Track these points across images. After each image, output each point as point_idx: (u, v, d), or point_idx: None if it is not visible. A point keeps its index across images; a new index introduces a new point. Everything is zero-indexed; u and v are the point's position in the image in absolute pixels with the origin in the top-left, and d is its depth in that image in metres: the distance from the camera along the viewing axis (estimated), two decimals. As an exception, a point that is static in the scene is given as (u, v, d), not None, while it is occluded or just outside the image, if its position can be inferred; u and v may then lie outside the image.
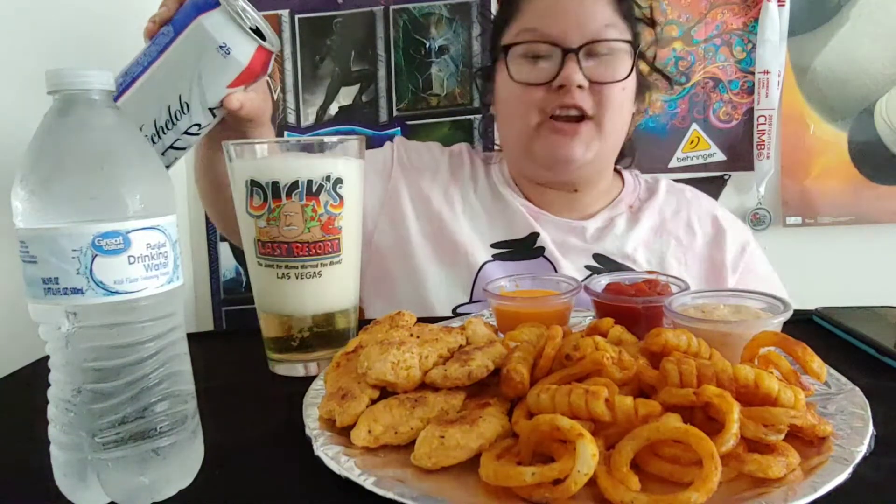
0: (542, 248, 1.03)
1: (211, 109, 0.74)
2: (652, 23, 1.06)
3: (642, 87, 1.05)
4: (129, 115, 0.47)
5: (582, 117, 0.96)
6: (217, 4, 0.69)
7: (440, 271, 1.02)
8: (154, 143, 0.74)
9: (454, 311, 0.99)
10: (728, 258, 1.05)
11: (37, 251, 0.42)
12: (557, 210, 1.07)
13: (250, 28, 0.71)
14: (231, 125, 0.79)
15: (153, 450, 0.45)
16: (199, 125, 0.75)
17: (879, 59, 1.33)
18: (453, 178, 1.10)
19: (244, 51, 0.71)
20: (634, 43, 0.97)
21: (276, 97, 1.38)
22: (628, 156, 1.16)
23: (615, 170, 1.15)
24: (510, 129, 1.04)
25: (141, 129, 0.72)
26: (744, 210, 1.39)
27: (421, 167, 1.11)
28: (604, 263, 1.03)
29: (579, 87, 0.94)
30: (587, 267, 1.02)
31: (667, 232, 1.07)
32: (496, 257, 1.03)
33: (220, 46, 0.69)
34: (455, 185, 1.09)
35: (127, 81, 0.73)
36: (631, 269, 1.01)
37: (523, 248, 1.04)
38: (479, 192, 1.09)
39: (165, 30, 0.72)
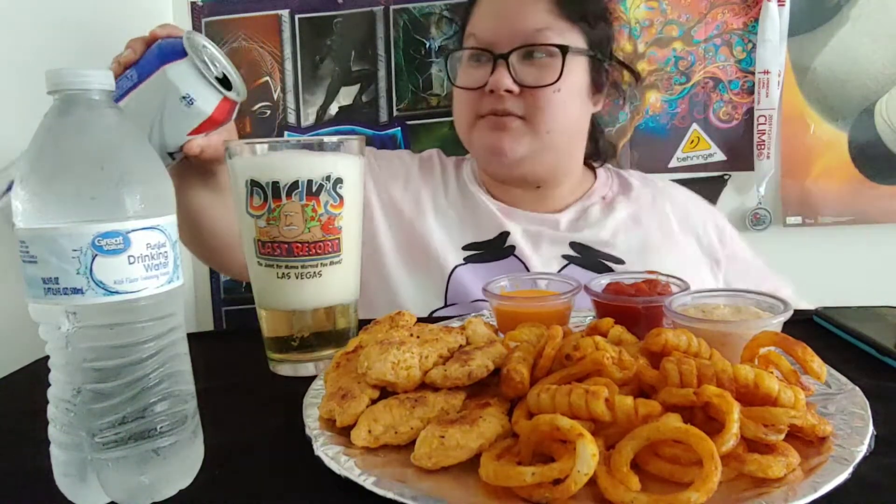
0: (513, 248, 1.04)
1: (170, 153, 0.74)
2: (605, 18, 1.04)
3: (601, 85, 1.04)
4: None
5: (516, 116, 0.98)
6: (184, 55, 0.70)
7: (412, 279, 1.04)
8: None
9: (430, 315, 1.00)
10: (705, 246, 1.07)
11: (37, 251, 0.42)
12: (527, 206, 1.08)
13: (216, 77, 0.72)
14: (194, 164, 0.80)
15: (153, 450, 0.45)
16: None
17: (879, 59, 1.33)
18: (424, 184, 1.12)
19: (208, 101, 0.71)
20: (565, 48, 0.95)
21: (276, 97, 1.38)
22: (604, 155, 1.16)
23: (588, 165, 1.16)
24: (457, 129, 1.08)
25: None
26: (744, 210, 1.39)
27: (392, 175, 1.12)
28: (581, 252, 1.04)
29: (509, 91, 0.95)
30: (564, 256, 1.03)
31: (644, 222, 1.08)
32: (467, 260, 1.03)
33: (184, 97, 0.70)
34: (426, 191, 1.11)
35: None
36: (608, 258, 1.02)
37: (494, 249, 1.05)
38: (450, 194, 1.11)
39: (129, 73, 0.72)
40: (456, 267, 1.02)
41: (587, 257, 1.03)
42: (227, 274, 1.15)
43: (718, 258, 1.08)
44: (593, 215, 1.08)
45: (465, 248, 1.05)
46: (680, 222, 1.09)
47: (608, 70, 1.05)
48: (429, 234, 1.05)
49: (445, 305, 1.01)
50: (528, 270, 1.02)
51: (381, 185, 1.11)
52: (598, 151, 1.15)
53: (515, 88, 0.95)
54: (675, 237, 1.07)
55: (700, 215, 1.12)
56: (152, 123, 0.71)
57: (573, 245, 1.04)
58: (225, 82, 0.73)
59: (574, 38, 0.98)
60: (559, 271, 1.02)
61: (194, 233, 0.94)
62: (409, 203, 1.09)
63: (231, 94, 0.73)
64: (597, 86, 1.04)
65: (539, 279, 0.81)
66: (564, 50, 0.95)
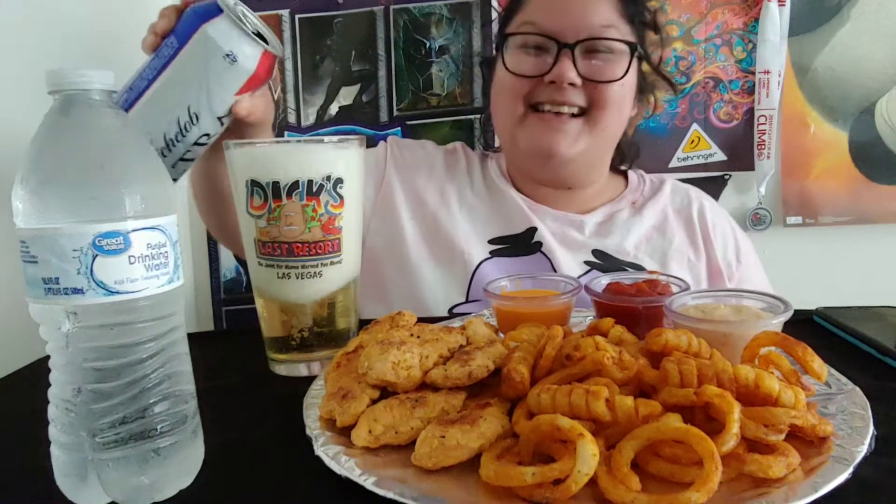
0: (540, 244, 1.02)
1: (220, 118, 0.74)
2: (655, 28, 1.05)
3: (643, 90, 1.05)
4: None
5: (572, 113, 0.96)
6: (220, 11, 0.69)
7: (436, 271, 1.02)
8: (164, 156, 0.73)
9: (450, 311, 0.99)
10: (723, 265, 1.06)
11: (37, 251, 0.42)
12: (555, 204, 1.06)
13: (253, 32, 0.71)
14: (234, 129, 0.79)
15: (153, 450, 0.45)
16: (208, 135, 0.74)
17: (879, 59, 1.33)
18: (449, 176, 1.10)
19: (251, 56, 0.70)
20: (634, 45, 0.97)
21: (276, 97, 1.38)
22: (630, 158, 1.15)
23: (620, 170, 1.15)
24: (498, 119, 1.05)
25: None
26: (744, 210, 1.39)
27: (415, 165, 1.10)
28: (604, 260, 1.02)
29: (571, 84, 0.94)
30: (586, 262, 1.02)
31: (670, 230, 1.06)
32: (494, 254, 1.02)
33: (227, 54, 0.69)
34: (451, 183, 1.09)
35: (132, 97, 0.73)
36: (630, 266, 1.01)
37: (521, 244, 1.03)
38: (476, 188, 1.09)
39: (169, 41, 0.71)
40: (482, 262, 1.01)
41: (610, 265, 1.02)
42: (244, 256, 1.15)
43: (731, 275, 1.07)
44: (620, 220, 1.06)
45: (492, 241, 1.04)
46: (703, 235, 1.07)
47: (647, 78, 1.05)
48: (454, 226, 1.03)
49: (467, 301, 1.00)
50: (553, 268, 1.00)
51: (403, 174, 1.09)
52: (622, 154, 1.13)
53: (578, 81, 0.94)
54: (698, 248, 1.06)
55: (723, 230, 1.09)
56: (199, 88, 0.71)
57: (596, 252, 1.03)
58: (261, 39, 0.73)
59: (633, 38, 0.98)
60: (580, 277, 1.01)
61: (221, 210, 0.93)
62: (434, 194, 1.07)
63: (270, 48, 0.72)
64: (640, 90, 1.04)
65: (540, 278, 0.81)
66: (633, 47, 0.95)
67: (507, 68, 0.98)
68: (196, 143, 0.74)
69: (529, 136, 0.98)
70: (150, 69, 0.72)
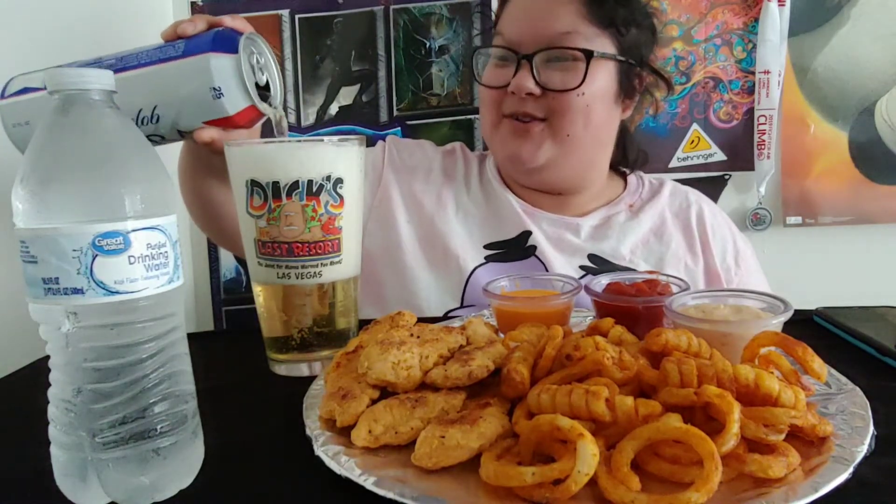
0: (534, 248, 1.02)
1: (179, 131, 0.74)
2: (635, 24, 0.98)
3: (630, 91, 1.02)
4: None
5: (535, 119, 0.96)
6: (234, 51, 0.69)
7: (431, 276, 1.02)
8: None
9: (445, 316, 0.98)
10: (721, 270, 1.05)
11: (37, 251, 0.42)
12: (550, 207, 1.06)
13: (256, 83, 0.71)
14: (203, 152, 0.78)
15: (153, 450, 0.45)
16: (161, 136, 0.74)
17: (879, 59, 1.33)
18: (447, 179, 1.10)
19: (235, 104, 0.71)
20: (590, 52, 0.93)
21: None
22: (631, 163, 1.13)
23: (620, 171, 1.14)
24: (482, 128, 1.08)
25: None
26: (744, 210, 1.39)
27: (413, 167, 1.10)
28: (599, 264, 1.02)
29: (530, 93, 0.94)
30: (581, 267, 1.02)
31: (667, 234, 1.06)
32: (489, 259, 1.02)
33: (214, 88, 0.69)
34: (448, 187, 1.09)
35: (116, 66, 0.72)
36: (627, 270, 1.00)
37: (515, 249, 1.03)
38: (472, 192, 1.09)
39: (177, 44, 0.71)
40: (476, 268, 1.01)
41: (605, 270, 1.00)
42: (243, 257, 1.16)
43: (730, 280, 1.06)
44: (616, 224, 1.05)
45: (487, 246, 1.03)
46: (702, 240, 1.07)
47: (641, 76, 1.02)
48: (450, 231, 1.03)
49: (461, 307, 0.99)
50: (548, 272, 0.99)
51: (400, 176, 1.09)
52: (626, 159, 1.12)
53: (537, 91, 0.93)
54: (696, 253, 1.06)
55: (722, 234, 1.09)
56: (173, 99, 0.71)
57: (591, 257, 1.03)
58: (264, 90, 0.74)
59: (602, 44, 0.95)
60: None
61: (210, 218, 0.94)
62: (431, 197, 1.07)
63: (261, 105, 0.73)
64: (627, 92, 1.01)
65: (539, 279, 0.81)
66: (588, 54, 0.93)
67: (476, 80, 1.02)
68: (147, 138, 0.74)
69: (500, 142, 1.01)
70: (146, 55, 0.72)
